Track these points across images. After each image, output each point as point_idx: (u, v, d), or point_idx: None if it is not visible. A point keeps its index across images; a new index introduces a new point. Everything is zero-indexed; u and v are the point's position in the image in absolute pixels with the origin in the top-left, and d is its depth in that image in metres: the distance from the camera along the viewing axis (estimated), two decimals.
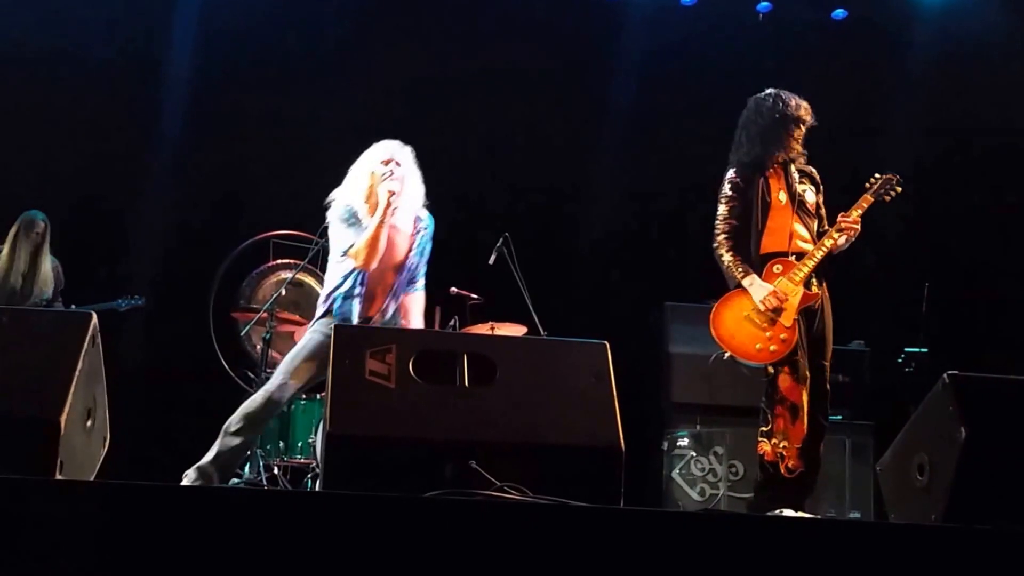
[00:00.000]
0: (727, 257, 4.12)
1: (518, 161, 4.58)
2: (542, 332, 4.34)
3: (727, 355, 4.07)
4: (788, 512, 3.72)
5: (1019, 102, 6.42)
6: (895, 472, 2.56)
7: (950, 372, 2.43)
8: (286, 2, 6.58)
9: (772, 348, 3.99)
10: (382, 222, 3.95)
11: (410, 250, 4.19)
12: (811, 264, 4.08)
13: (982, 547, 2.07)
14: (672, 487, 5.50)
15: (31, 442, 2.25)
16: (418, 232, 4.22)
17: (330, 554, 1.85)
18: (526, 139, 5.28)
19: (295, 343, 5.69)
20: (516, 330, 5.04)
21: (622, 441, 2.46)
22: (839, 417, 5.54)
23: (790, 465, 3.91)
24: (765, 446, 3.99)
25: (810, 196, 4.25)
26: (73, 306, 5.90)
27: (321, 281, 6.18)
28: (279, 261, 6.09)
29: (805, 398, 3.96)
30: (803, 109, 4.24)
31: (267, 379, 5.37)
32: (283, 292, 5.52)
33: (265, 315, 5.38)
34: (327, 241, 5.41)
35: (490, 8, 6.70)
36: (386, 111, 6.57)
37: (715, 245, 4.18)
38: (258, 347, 5.49)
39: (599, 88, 6.60)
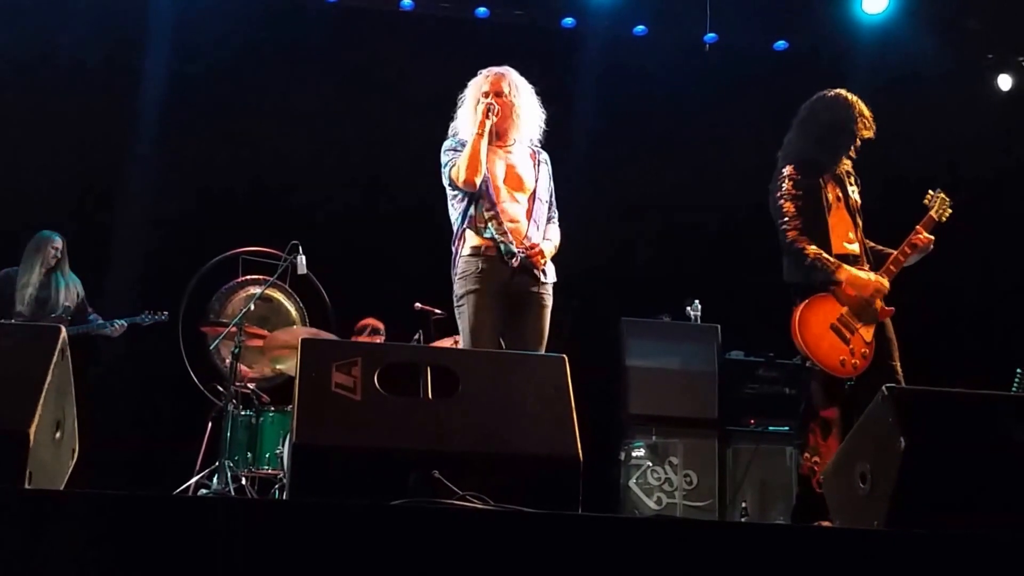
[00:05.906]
0: (811, 250, 3.98)
1: None
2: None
3: (808, 362, 3.98)
4: (826, 524, 3.51)
5: (953, 128, 6.69)
6: (838, 481, 2.63)
7: (888, 385, 2.52)
8: (259, 23, 6.66)
9: (855, 363, 3.92)
10: (479, 133, 3.81)
11: (538, 179, 4.04)
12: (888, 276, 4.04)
13: (922, 550, 2.15)
14: (629, 496, 5.58)
15: (0, 453, 2.25)
16: (539, 164, 4.10)
17: (296, 561, 1.89)
18: None
19: (264, 357, 5.74)
20: None
21: (580, 451, 2.50)
22: (786, 428, 5.68)
23: (820, 480, 3.76)
24: (801, 459, 3.98)
25: (856, 196, 4.20)
26: (100, 319, 5.92)
27: (289, 296, 6.24)
28: (248, 277, 6.13)
29: (838, 415, 3.90)
30: (863, 122, 4.11)
31: (236, 392, 5.42)
32: (252, 307, 5.58)
33: (234, 329, 5.42)
34: (295, 258, 5.47)
35: (450, 35, 6.85)
36: (356, 129, 6.65)
37: (790, 241, 4.02)
38: (227, 361, 5.53)
39: (557, 112, 6.80)
